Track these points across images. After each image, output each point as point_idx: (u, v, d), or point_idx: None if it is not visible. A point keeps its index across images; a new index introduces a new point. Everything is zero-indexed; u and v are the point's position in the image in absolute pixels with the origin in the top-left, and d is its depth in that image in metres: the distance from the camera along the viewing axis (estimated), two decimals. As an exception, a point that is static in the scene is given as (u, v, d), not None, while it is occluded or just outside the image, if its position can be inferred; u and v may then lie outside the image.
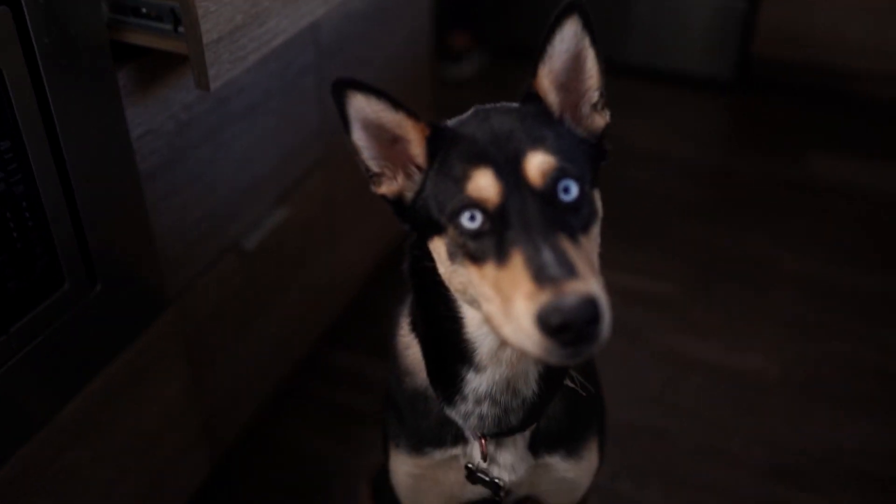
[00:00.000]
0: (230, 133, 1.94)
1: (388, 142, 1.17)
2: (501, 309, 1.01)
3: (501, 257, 1.02)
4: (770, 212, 3.41)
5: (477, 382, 1.26)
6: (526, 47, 3.04)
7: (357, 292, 2.79)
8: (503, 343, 1.04)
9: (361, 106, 1.13)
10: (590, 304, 0.94)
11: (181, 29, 1.48)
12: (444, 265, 1.12)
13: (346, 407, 2.55)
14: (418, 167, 1.17)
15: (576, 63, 1.17)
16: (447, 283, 1.14)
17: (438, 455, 1.39)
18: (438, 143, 1.14)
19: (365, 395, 2.56)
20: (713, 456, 2.38)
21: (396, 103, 1.14)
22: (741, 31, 4.02)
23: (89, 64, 1.47)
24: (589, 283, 0.96)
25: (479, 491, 1.41)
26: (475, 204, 1.06)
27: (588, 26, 1.14)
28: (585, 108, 1.19)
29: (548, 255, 0.97)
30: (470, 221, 1.06)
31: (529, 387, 1.27)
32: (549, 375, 1.27)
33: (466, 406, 1.29)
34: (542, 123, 1.14)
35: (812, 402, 2.54)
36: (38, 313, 1.49)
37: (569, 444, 1.40)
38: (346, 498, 2.25)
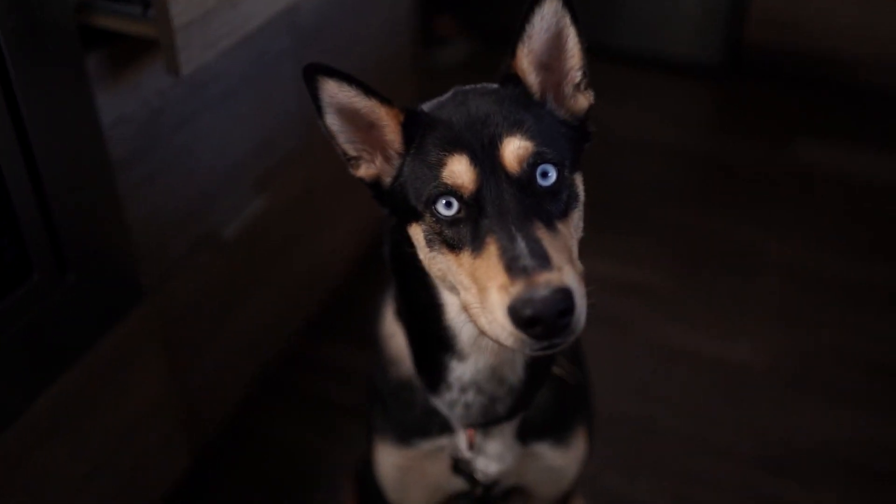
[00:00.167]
0: (206, 120, 1.90)
1: (365, 126, 1.15)
2: (478, 298, 1.00)
3: (477, 246, 1.01)
4: (758, 199, 3.39)
5: (461, 371, 1.24)
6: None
7: (341, 281, 2.76)
8: (482, 332, 1.02)
9: (334, 92, 1.11)
10: (562, 295, 0.93)
11: (150, 12, 1.44)
12: (422, 251, 1.11)
13: (330, 398, 2.52)
14: (396, 152, 1.15)
15: (556, 42, 1.14)
16: (427, 269, 1.13)
17: (425, 446, 1.37)
18: (414, 127, 1.12)
19: (349, 386, 2.53)
20: (701, 447, 2.36)
21: (369, 89, 1.11)
22: (730, 17, 3.99)
23: (56, 48, 1.43)
24: (562, 274, 0.95)
25: (463, 483, 1.40)
26: (451, 191, 1.05)
27: (568, 4, 1.11)
28: (568, 89, 1.16)
29: (521, 246, 0.96)
30: (446, 208, 1.05)
31: (516, 374, 1.25)
32: (536, 363, 1.25)
33: (451, 395, 1.27)
34: (521, 106, 1.11)
35: (800, 392, 2.53)
36: (7, 305, 1.45)
37: (557, 433, 1.39)
38: (330, 490, 2.23)
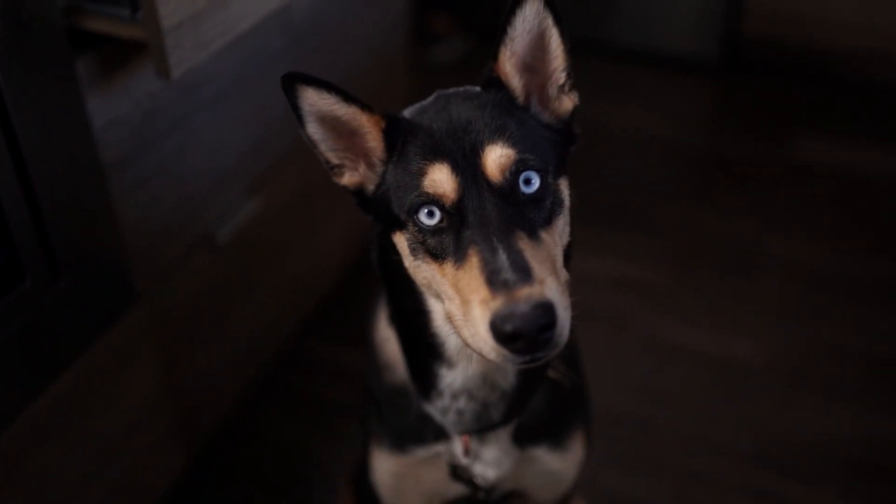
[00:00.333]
0: (199, 122, 1.89)
1: (347, 134, 1.13)
2: (461, 310, 0.99)
3: (459, 257, 1.00)
4: (757, 195, 3.37)
5: (451, 378, 1.23)
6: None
7: (336, 282, 2.75)
8: (465, 344, 1.01)
9: (314, 100, 1.10)
10: (543, 310, 0.92)
11: (139, 15, 1.43)
12: (407, 259, 1.10)
13: (326, 399, 2.51)
14: (379, 159, 1.14)
15: (539, 44, 1.12)
16: (412, 276, 1.11)
17: (421, 453, 1.36)
18: (396, 134, 1.11)
19: (345, 386, 2.52)
20: (699, 444, 2.35)
21: (349, 96, 1.10)
22: (728, 12, 3.97)
23: (45, 51, 1.42)
24: (544, 287, 0.94)
25: (461, 489, 1.39)
26: (432, 200, 1.03)
27: (550, 4, 1.09)
28: (552, 91, 1.15)
29: (503, 258, 0.95)
30: (428, 218, 1.04)
31: (508, 380, 1.24)
32: (529, 368, 1.23)
33: (443, 402, 1.26)
34: (504, 111, 1.10)
35: (799, 389, 2.51)
36: (-1, 310, 1.44)
37: (554, 436, 1.37)
38: (326, 491, 2.22)
